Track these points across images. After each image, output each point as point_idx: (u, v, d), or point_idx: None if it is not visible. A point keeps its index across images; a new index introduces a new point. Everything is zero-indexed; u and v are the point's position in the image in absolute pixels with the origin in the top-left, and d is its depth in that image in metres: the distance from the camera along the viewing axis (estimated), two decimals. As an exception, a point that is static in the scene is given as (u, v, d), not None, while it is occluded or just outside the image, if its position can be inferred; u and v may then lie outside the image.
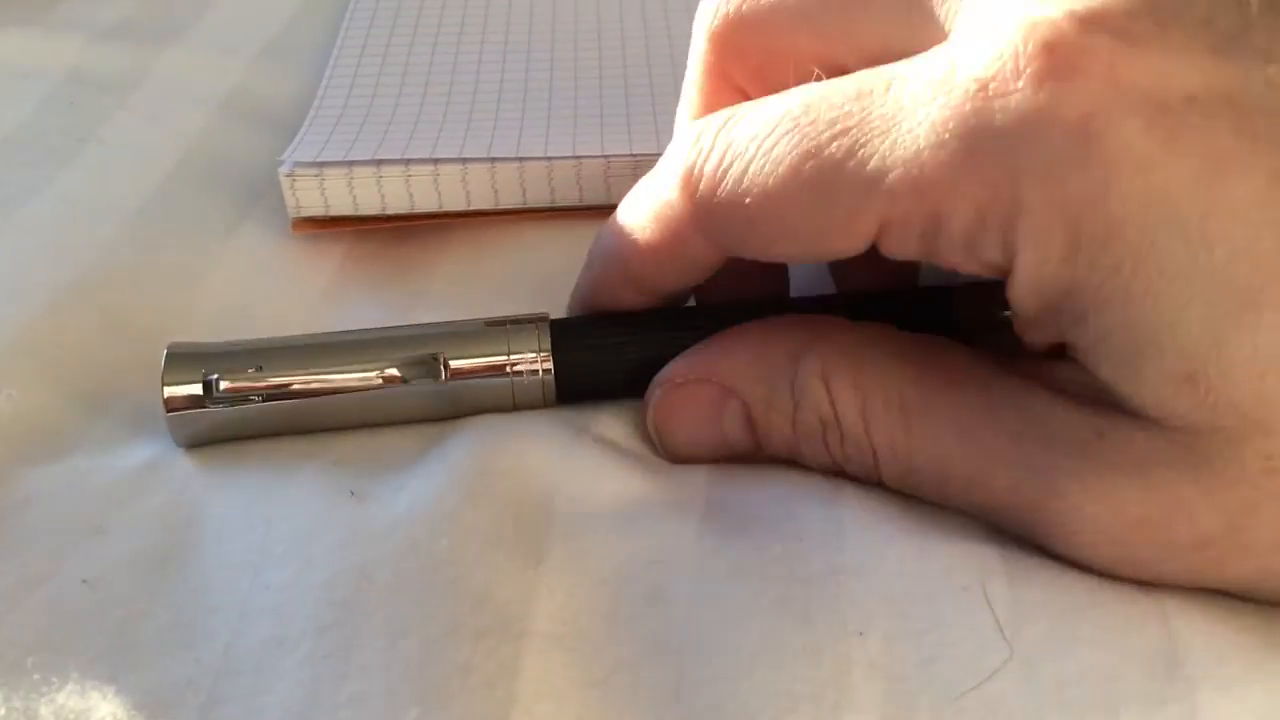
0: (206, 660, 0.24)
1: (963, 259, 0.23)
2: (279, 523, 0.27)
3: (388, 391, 0.29)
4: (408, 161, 0.36)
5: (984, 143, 0.22)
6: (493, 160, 0.37)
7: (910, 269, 0.32)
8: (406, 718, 0.22)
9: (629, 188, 0.37)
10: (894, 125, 0.23)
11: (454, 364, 0.29)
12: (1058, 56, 0.21)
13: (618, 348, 0.30)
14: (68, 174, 0.40)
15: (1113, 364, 0.23)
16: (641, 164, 0.37)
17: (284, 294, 0.35)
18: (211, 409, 0.28)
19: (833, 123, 0.24)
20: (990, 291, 0.30)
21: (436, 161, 0.36)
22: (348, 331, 0.30)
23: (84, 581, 0.26)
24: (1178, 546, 0.23)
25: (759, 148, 0.25)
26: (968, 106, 0.22)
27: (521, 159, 0.37)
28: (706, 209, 0.26)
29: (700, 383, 0.28)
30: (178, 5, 0.51)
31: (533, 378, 0.29)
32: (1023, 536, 0.25)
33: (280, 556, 0.26)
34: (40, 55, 0.47)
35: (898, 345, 0.27)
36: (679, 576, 0.25)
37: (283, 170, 0.36)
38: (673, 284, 0.29)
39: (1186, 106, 0.21)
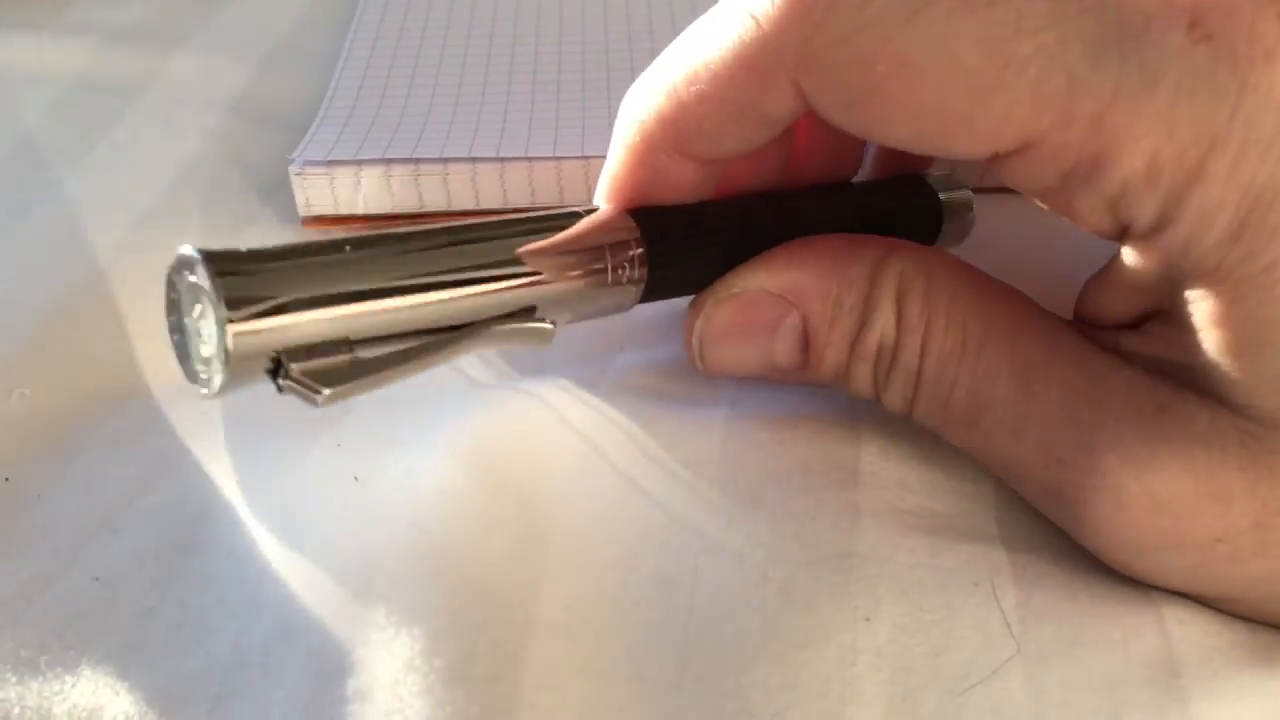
0: (215, 655, 0.24)
1: (1099, 210, 0.22)
2: (284, 514, 0.27)
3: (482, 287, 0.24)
4: (417, 161, 0.36)
5: (1191, 98, 0.20)
6: (501, 160, 0.37)
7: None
8: (410, 710, 0.22)
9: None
10: (1098, 34, 0.21)
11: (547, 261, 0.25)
12: None
13: (709, 237, 0.28)
14: (79, 176, 0.40)
15: (1224, 347, 0.22)
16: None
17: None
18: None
19: (1021, 1, 0.21)
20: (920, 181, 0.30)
21: (446, 161, 0.37)
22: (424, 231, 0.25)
23: (95, 579, 0.26)
24: (1196, 535, 0.23)
25: None
26: (1193, 54, 0.20)
27: (530, 158, 0.37)
28: (817, 52, 0.22)
29: (759, 294, 0.27)
30: (187, 8, 0.51)
31: (626, 261, 0.26)
32: (1040, 506, 0.25)
33: (286, 549, 0.26)
34: (51, 59, 0.47)
35: (971, 275, 0.26)
36: (687, 556, 0.25)
37: (293, 169, 0.36)
38: (729, 145, 0.26)
39: None
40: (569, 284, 0.26)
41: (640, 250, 0.27)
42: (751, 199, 0.29)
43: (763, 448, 0.28)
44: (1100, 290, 0.25)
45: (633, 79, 0.41)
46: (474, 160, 0.37)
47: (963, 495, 0.27)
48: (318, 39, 0.48)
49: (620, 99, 0.40)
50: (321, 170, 0.36)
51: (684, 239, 0.27)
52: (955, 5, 0.21)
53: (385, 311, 0.23)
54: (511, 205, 0.37)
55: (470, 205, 0.37)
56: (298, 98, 0.44)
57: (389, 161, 0.36)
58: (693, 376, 0.30)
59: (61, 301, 0.34)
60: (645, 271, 0.27)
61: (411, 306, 0.24)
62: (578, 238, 0.26)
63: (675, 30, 0.45)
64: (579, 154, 0.37)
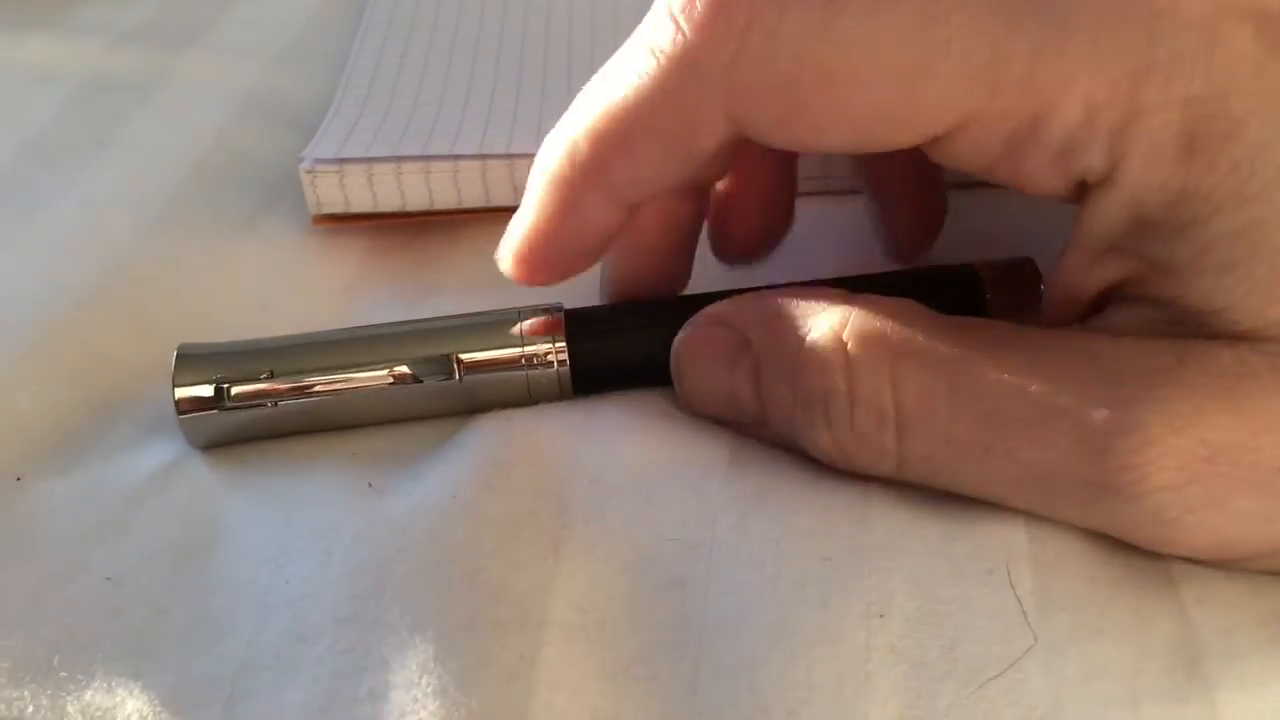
0: (229, 656, 0.24)
1: (1049, 167, 0.22)
2: (298, 517, 0.27)
3: (401, 390, 0.28)
4: (428, 158, 0.36)
5: (1109, 35, 0.21)
6: (511, 157, 0.37)
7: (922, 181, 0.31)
8: (425, 711, 0.22)
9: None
10: (1011, 8, 0.21)
11: (467, 357, 0.28)
12: None
13: (635, 336, 0.29)
14: (89, 175, 0.40)
15: (1215, 273, 0.22)
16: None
17: (305, 290, 0.35)
18: (223, 413, 0.28)
19: None
20: (1019, 269, 0.29)
21: (456, 158, 0.36)
22: (360, 328, 0.29)
23: (107, 579, 0.26)
24: (1260, 471, 0.22)
25: (826, 4, 0.22)
26: None
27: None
28: (742, 78, 0.23)
29: (721, 326, 0.27)
30: (198, 7, 0.51)
31: (548, 370, 0.29)
32: (1079, 515, 0.24)
33: (299, 551, 0.26)
34: (61, 57, 0.47)
35: (933, 314, 0.25)
36: (699, 556, 0.25)
37: (303, 167, 0.36)
38: (655, 182, 0.26)
39: None
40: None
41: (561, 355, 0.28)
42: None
43: (770, 454, 0.28)
44: (1069, 270, 0.24)
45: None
46: (484, 157, 0.37)
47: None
48: (328, 37, 0.48)
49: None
50: (332, 168, 0.36)
51: (608, 337, 0.29)
52: (868, 6, 0.21)
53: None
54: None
55: (480, 203, 0.37)
56: (308, 96, 0.44)
57: (400, 159, 0.36)
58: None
59: (72, 301, 0.34)
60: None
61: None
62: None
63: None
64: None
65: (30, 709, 0.24)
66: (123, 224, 0.37)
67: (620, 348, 0.29)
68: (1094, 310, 0.25)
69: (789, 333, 0.26)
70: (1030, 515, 0.25)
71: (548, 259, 0.28)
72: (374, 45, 0.44)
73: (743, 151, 0.26)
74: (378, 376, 0.28)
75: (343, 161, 0.36)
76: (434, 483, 0.27)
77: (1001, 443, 0.24)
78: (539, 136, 0.37)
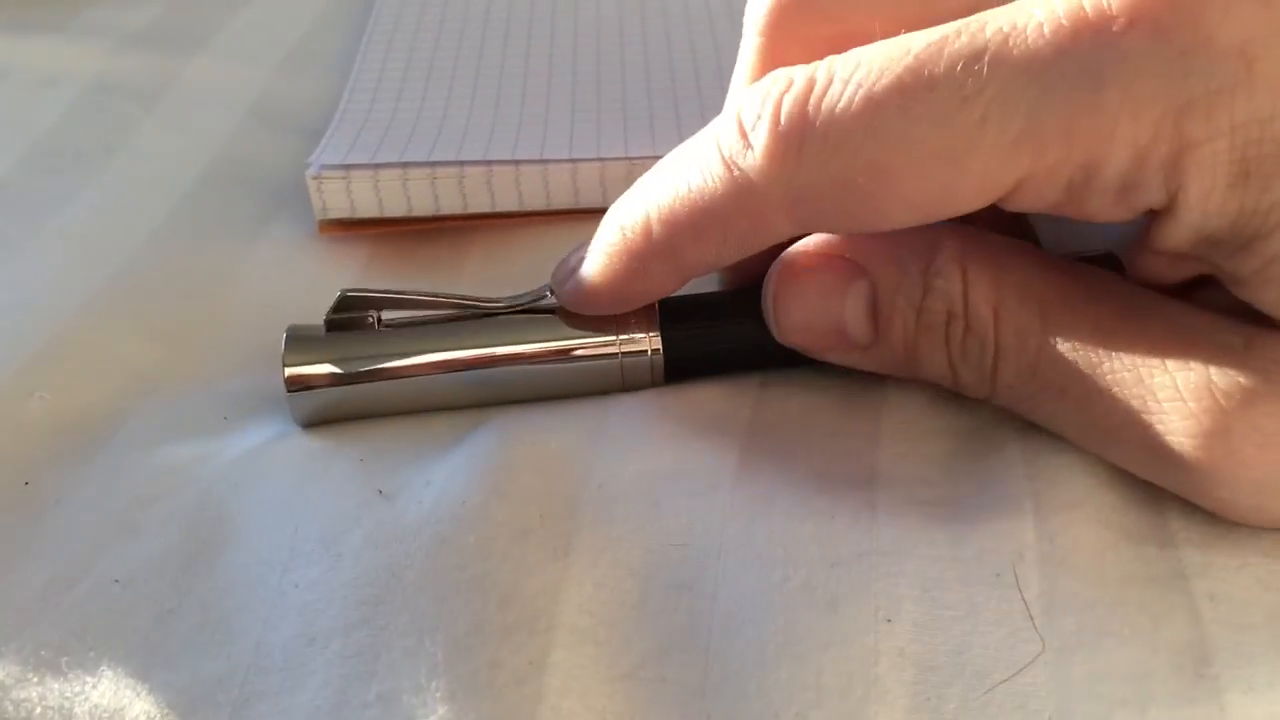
0: (237, 659, 0.24)
1: (1112, 205, 0.23)
2: (307, 521, 0.27)
3: (499, 370, 0.29)
4: (433, 164, 0.36)
5: (1142, 80, 0.21)
6: (517, 163, 0.37)
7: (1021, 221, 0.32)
8: (434, 716, 0.23)
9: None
10: (1036, 70, 0.22)
11: (563, 344, 0.29)
12: None
13: (726, 325, 0.30)
14: (96, 180, 0.40)
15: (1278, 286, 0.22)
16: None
17: (312, 294, 0.35)
18: (329, 390, 0.29)
19: (959, 71, 0.22)
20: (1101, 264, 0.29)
21: (462, 164, 0.37)
22: (456, 304, 0.30)
23: (116, 581, 0.26)
24: None
25: (863, 108, 0.23)
26: (1124, 43, 0.21)
27: (545, 161, 0.37)
28: (801, 187, 0.24)
29: (831, 257, 0.28)
30: (203, 12, 0.51)
31: (641, 358, 0.29)
32: (1137, 468, 0.25)
33: (309, 555, 0.26)
34: (66, 62, 0.47)
35: (1036, 253, 0.27)
36: (707, 561, 0.25)
37: (310, 173, 0.36)
38: (724, 262, 0.27)
39: None
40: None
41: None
42: None
43: (779, 457, 0.28)
44: (1144, 262, 0.25)
45: (647, 80, 0.42)
46: (490, 164, 0.37)
47: (988, 471, 0.27)
48: (333, 42, 0.48)
49: (634, 101, 0.41)
50: (338, 174, 0.36)
51: (700, 326, 0.30)
52: (901, 101, 0.22)
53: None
54: (527, 208, 0.37)
55: (486, 208, 0.37)
56: (314, 101, 0.44)
57: (406, 165, 0.36)
58: (711, 395, 0.30)
59: (80, 304, 0.34)
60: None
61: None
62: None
63: (690, 31, 0.45)
64: (595, 156, 0.37)
65: (38, 710, 0.24)
66: (130, 229, 0.37)
67: (712, 335, 0.30)
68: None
69: (914, 258, 0.27)
70: (1038, 514, 0.25)
71: (606, 306, 0.29)
72: (380, 50, 0.44)
73: None
74: (475, 355, 0.29)
75: (349, 168, 0.36)
76: (443, 487, 0.27)
77: (1076, 387, 0.25)
78: (544, 142, 0.38)
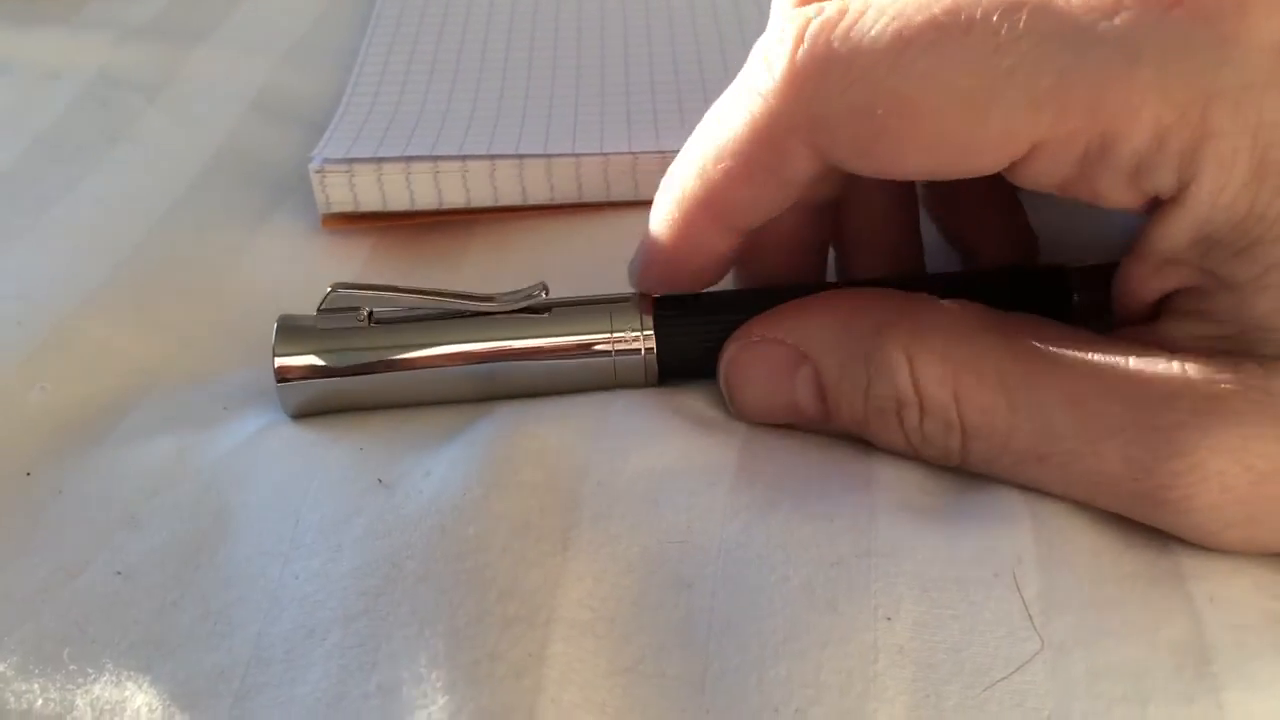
0: (238, 650, 0.24)
1: (1121, 187, 0.23)
2: (308, 512, 0.27)
3: (490, 366, 0.29)
4: (436, 158, 0.36)
5: (1178, 61, 0.21)
6: (520, 157, 0.37)
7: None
8: (434, 706, 0.23)
9: (657, 183, 0.37)
10: (1074, 32, 0.22)
11: (555, 340, 0.29)
12: None
13: (721, 325, 0.29)
14: (99, 172, 0.40)
15: (1276, 293, 0.22)
16: (669, 160, 0.37)
17: (314, 288, 0.35)
18: (318, 380, 0.29)
19: (996, 19, 0.22)
20: (1060, 275, 0.29)
21: (465, 158, 0.37)
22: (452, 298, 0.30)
23: (117, 573, 0.26)
24: None
25: (893, 39, 0.23)
26: (1167, 21, 0.21)
27: (549, 155, 0.37)
28: (820, 111, 0.24)
29: (774, 343, 0.28)
30: (207, 5, 0.51)
31: (634, 356, 0.29)
32: (1128, 514, 0.25)
33: (309, 546, 0.26)
34: (70, 55, 0.47)
35: (990, 320, 0.26)
36: (706, 559, 0.25)
37: (313, 166, 0.36)
38: (760, 210, 0.27)
39: None
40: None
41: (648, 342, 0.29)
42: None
43: (779, 460, 0.28)
44: (1127, 274, 0.25)
45: (651, 77, 0.42)
46: (493, 158, 0.37)
47: (985, 480, 0.27)
48: (337, 36, 0.48)
49: (638, 97, 0.41)
50: (341, 168, 0.36)
51: (694, 326, 0.30)
52: (934, 38, 0.22)
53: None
54: (530, 202, 0.37)
55: (489, 202, 0.37)
56: (317, 94, 0.44)
57: (409, 159, 0.36)
58: (713, 394, 0.30)
59: (82, 297, 0.34)
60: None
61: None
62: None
63: (695, 26, 0.45)
64: (598, 151, 0.37)
65: (39, 702, 0.24)
66: (132, 221, 0.37)
67: (706, 336, 0.30)
68: (1149, 315, 0.26)
69: (854, 344, 0.27)
70: (1035, 520, 0.25)
71: (665, 278, 0.29)
72: (383, 44, 0.44)
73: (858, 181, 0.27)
74: (466, 350, 0.29)
75: (352, 161, 0.36)
76: (444, 479, 0.27)
77: (1056, 454, 0.25)
78: (547, 136, 0.38)
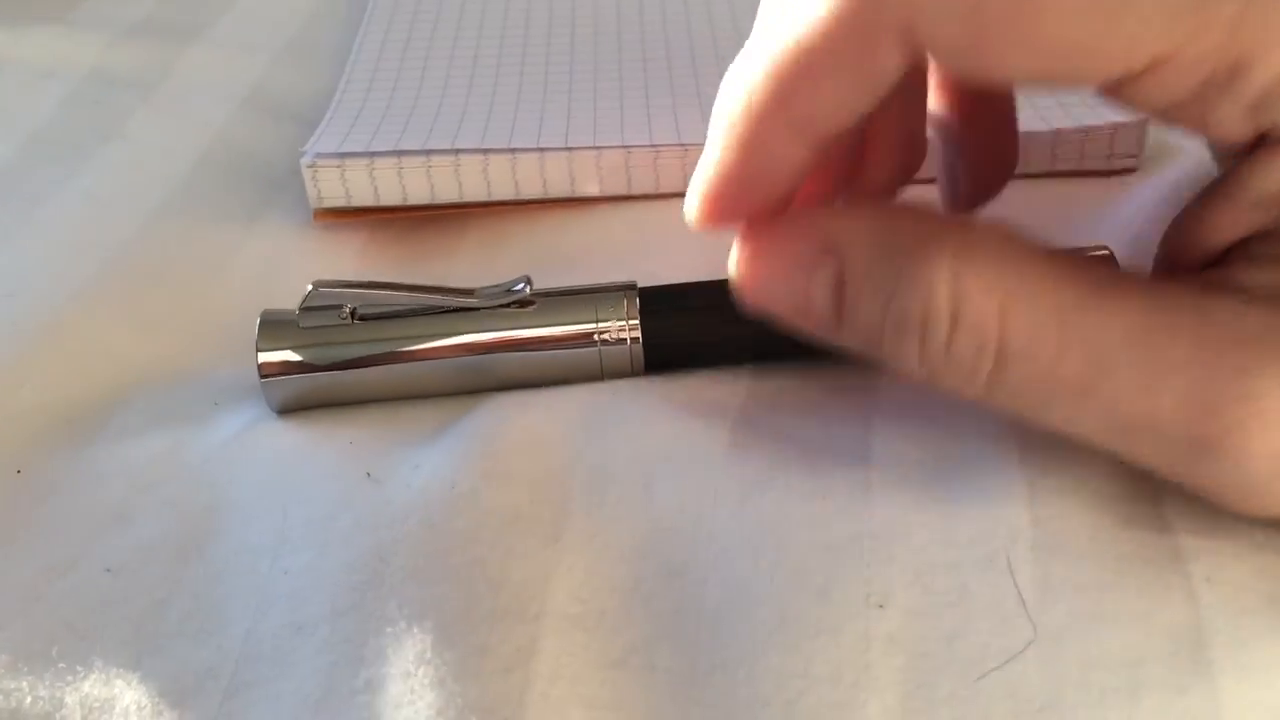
0: (227, 647, 0.24)
1: (1237, 118, 0.22)
2: (296, 507, 0.27)
3: (477, 358, 0.29)
4: (429, 152, 0.36)
5: None
6: (513, 151, 0.37)
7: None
8: (422, 702, 0.22)
9: (650, 178, 0.37)
10: None
11: (541, 331, 0.29)
12: None
13: (707, 315, 0.29)
14: (92, 169, 0.40)
15: None
16: (663, 154, 0.37)
17: (306, 282, 0.35)
18: (301, 376, 0.29)
19: None
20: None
21: (458, 152, 0.36)
22: (437, 294, 0.30)
23: (106, 570, 0.26)
24: None
25: None
26: None
27: (542, 149, 0.37)
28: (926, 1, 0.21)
29: (803, 228, 0.25)
30: (200, 3, 0.51)
31: (620, 346, 0.29)
32: (1161, 463, 0.24)
33: (298, 541, 0.26)
34: (64, 53, 0.47)
35: (1046, 247, 0.24)
36: (697, 546, 0.25)
37: (305, 161, 0.36)
38: (844, 114, 0.24)
39: None
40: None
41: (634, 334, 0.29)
42: None
43: (771, 440, 0.28)
44: (1205, 214, 0.24)
45: (645, 69, 0.42)
46: (486, 152, 0.37)
47: (982, 456, 0.27)
48: (330, 32, 0.48)
49: (632, 89, 0.41)
50: (334, 163, 0.36)
51: (681, 316, 0.29)
52: None
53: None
54: (523, 196, 0.37)
55: (482, 197, 0.37)
56: (310, 90, 0.44)
57: (401, 154, 0.36)
58: (703, 379, 0.30)
59: (74, 294, 0.34)
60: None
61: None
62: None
63: (689, 22, 0.45)
64: (591, 144, 0.37)
65: (29, 699, 0.24)
66: (125, 218, 0.37)
67: (692, 326, 0.29)
68: (1215, 260, 0.24)
69: (889, 248, 0.24)
70: (1032, 498, 0.25)
71: (736, 201, 0.26)
72: (376, 39, 0.44)
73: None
74: (453, 343, 0.29)
75: (344, 156, 0.36)
76: (433, 473, 0.27)
77: (1107, 388, 0.23)
78: (540, 131, 0.38)
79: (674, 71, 0.42)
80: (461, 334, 0.29)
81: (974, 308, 0.23)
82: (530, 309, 0.29)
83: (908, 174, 0.30)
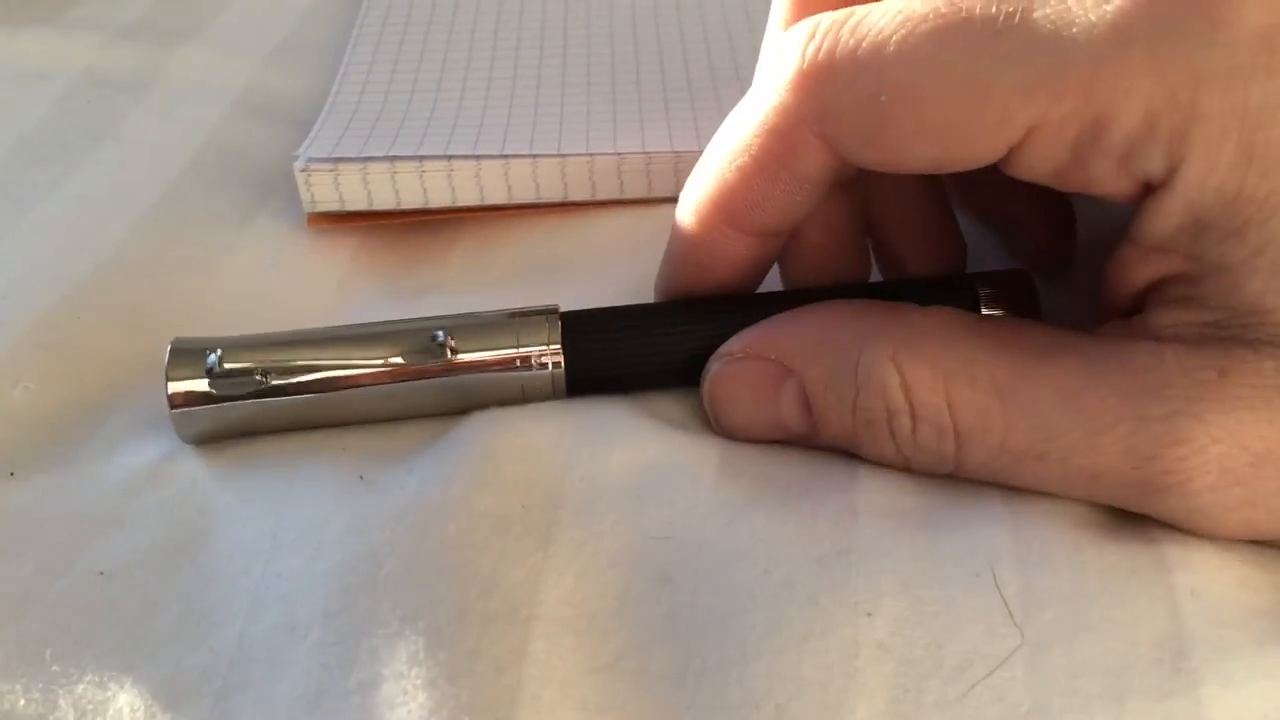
0: (220, 649, 0.24)
1: (1113, 173, 0.23)
2: (289, 510, 0.27)
3: (394, 385, 0.29)
4: (422, 158, 0.36)
5: (1169, 44, 0.22)
6: (506, 157, 0.37)
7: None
8: (414, 704, 0.23)
9: (643, 182, 0.37)
10: (1069, 19, 0.22)
11: (462, 357, 0.28)
12: None
13: (630, 341, 0.29)
14: (84, 171, 0.40)
15: (1266, 275, 0.23)
16: (655, 159, 0.37)
17: (298, 286, 0.35)
18: (215, 406, 0.28)
19: (995, 8, 0.23)
20: (1014, 280, 0.29)
21: (450, 158, 0.37)
22: (354, 325, 0.30)
23: (100, 573, 0.26)
24: None
25: (897, 30, 0.24)
26: (1158, 6, 0.22)
27: (535, 155, 0.37)
28: (828, 101, 0.25)
29: (758, 359, 0.28)
30: (192, 4, 0.51)
31: (542, 371, 0.29)
32: (1125, 504, 0.25)
33: (290, 544, 0.26)
34: (56, 55, 0.47)
35: (974, 324, 0.27)
36: (688, 555, 0.25)
37: (298, 165, 0.36)
38: (777, 213, 0.27)
39: None
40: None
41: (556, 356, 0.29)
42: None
43: (760, 461, 0.28)
44: (1119, 262, 0.25)
45: (637, 76, 0.42)
46: (478, 158, 0.37)
47: (965, 483, 0.27)
48: (322, 35, 0.48)
49: (625, 96, 0.41)
50: (326, 167, 0.36)
51: (603, 341, 0.29)
52: (935, 26, 0.23)
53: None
54: (516, 201, 0.37)
55: (475, 201, 0.37)
56: (302, 93, 0.44)
57: (394, 159, 0.36)
58: (693, 399, 0.30)
59: (66, 296, 0.34)
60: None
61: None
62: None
63: (681, 27, 0.45)
64: (584, 151, 0.37)
65: (22, 702, 0.24)
66: (117, 220, 0.37)
67: (615, 351, 0.29)
68: (1135, 307, 0.26)
69: (839, 358, 0.27)
70: (1016, 513, 0.26)
71: (688, 286, 0.30)
72: (369, 43, 0.44)
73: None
74: (370, 371, 0.29)
75: (337, 160, 0.36)
76: (426, 477, 0.27)
77: (1054, 451, 0.25)
78: (533, 135, 0.38)
79: (666, 77, 0.42)
80: (376, 361, 0.29)
81: (923, 399, 0.26)
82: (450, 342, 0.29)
83: (953, 267, 0.32)
